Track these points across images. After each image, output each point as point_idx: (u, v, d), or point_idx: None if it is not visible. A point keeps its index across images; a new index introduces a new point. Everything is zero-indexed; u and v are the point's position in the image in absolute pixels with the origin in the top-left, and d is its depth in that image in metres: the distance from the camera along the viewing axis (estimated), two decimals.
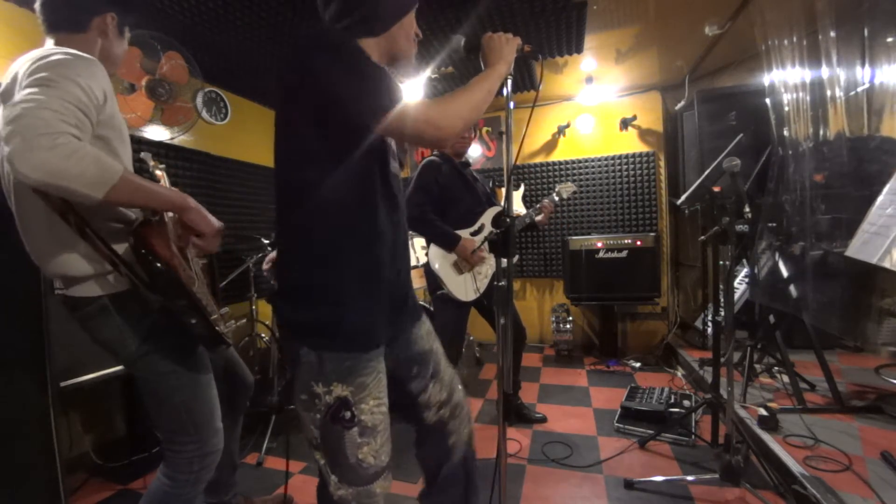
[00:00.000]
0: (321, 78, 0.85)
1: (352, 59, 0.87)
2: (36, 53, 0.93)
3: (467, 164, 2.39)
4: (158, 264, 0.98)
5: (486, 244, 2.15)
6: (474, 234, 2.26)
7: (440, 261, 2.18)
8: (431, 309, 2.50)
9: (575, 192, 2.60)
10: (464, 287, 2.19)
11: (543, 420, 2.47)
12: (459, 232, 2.18)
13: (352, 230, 0.92)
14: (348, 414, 0.90)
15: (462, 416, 1.17)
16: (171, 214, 1.10)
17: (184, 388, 1.11)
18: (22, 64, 0.93)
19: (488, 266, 2.27)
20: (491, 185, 3.97)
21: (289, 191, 0.94)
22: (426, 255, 2.46)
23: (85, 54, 0.96)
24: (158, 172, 1.41)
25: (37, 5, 1.06)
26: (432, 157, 2.22)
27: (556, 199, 2.45)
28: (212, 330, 1.09)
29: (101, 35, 1.10)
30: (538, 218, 2.37)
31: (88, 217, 0.98)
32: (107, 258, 1.00)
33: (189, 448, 1.12)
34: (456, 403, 1.15)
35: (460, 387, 1.19)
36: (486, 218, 2.31)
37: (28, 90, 0.84)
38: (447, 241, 2.16)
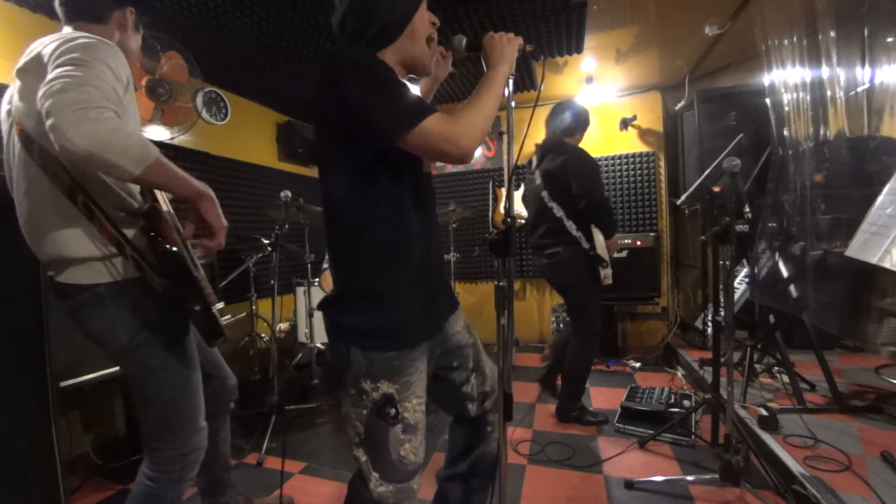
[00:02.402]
0: (347, 98, 0.87)
1: (375, 78, 0.88)
2: (60, 35, 0.95)
3: None
4: (168, 246, 0.99)
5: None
6: None
7: (603, 245, 2.31)
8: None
9: None
10: (609, 271, 2.35)
11: (605, 422, 2.38)
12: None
13: (392, 238, 0.95)
14: (393, 411, 0.94)
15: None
16: (166, 209, 1.11)
17: (173, 385, 1.10)
18: (45, 44, 0.94)
19: None
20: (491, 184, 3.98)
21: (333, 203, 0.97)
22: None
23: (108, 41, 0.98)
24: None
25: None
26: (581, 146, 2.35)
27: None
28: (213, 320, 1.08)
29: (119, 28, 1.12)
30: None
31: (96, 198, 0.98)
32: (113, 240, 1.00)
33: (172, 446, 1.12)
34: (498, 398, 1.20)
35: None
36: None
37: (63, 69, 0.86)
38: (614, 229, 2.31)
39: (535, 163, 2.51)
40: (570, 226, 2.27)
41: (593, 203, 2.22)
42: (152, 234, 0.99)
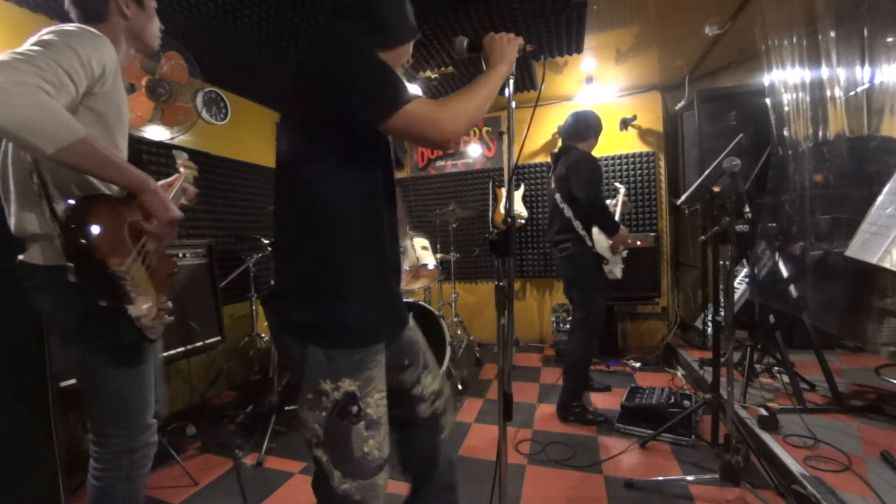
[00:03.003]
0: (332, 77, 0.87)
1: (362, 58, 0.88)
2: (56, 25, 0.97)
3: None
4: (78, 236, 0.96)
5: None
6: None
7: (604, 244, 2.45)
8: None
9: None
10: (618, 267, 2.50)
11: (605, 422, 2.40)
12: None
13: (359, 230, 0.93)
14: (355, 408, 0.90)
15: (451, 411, 1.20)
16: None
17: (120, 377, 1.08)
18: (45, 30, 0.96)
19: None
20: (491, 184, 3.98)
21: (295, 192, 0.94)
22: (428, 255, 2.64)
23: (93, 30, 1.00)
24: (182, 170, 1.37)
25: (66, 5, 1.09)
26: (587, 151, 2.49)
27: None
28: (125, 322, 1.03)
29: (120, 16, 1.11)
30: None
31: (51, 178, 0.98)
32: (51, 222, 0.99)
33: (117, 442, 1.09)
34: (448, 396, 1.18)
35: (447, 381, 1.22)
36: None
37: (27, 47, 0.89)
38: (614, 228, 2.39)
39: (552, 168, 2.70)
40: (577, 225, 2.44)
41: (589, 204, 2.36)
42: (72, 224, 0.96)
